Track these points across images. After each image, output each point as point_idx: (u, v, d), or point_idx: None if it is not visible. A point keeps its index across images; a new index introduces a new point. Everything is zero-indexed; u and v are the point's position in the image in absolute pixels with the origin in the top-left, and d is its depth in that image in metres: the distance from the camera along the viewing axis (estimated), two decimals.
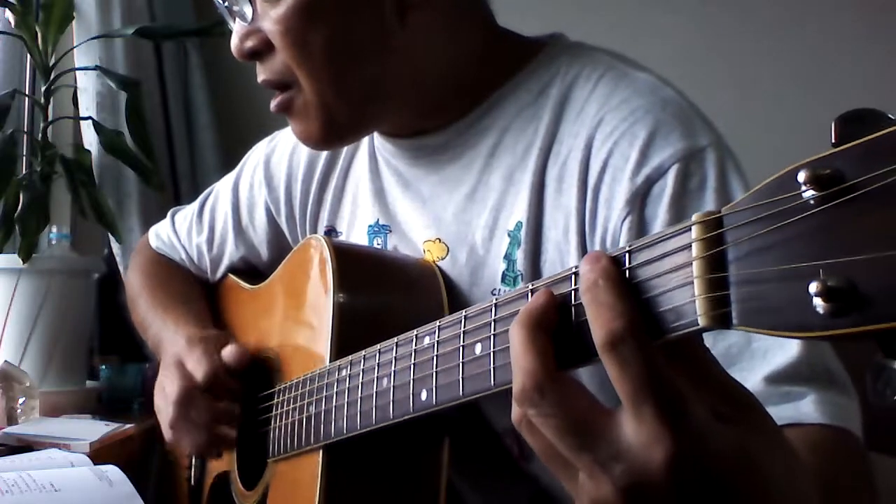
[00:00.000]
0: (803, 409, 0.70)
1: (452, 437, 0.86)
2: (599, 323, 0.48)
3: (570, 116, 0.87)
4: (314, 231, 1.10)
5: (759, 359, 0.73)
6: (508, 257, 0.89)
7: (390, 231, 1.00)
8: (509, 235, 0.89)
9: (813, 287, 0.38)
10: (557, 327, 0.52)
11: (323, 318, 0.88)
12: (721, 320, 0.44)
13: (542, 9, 1.57)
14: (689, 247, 0.46)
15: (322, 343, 0.87)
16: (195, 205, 1.27)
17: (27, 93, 1.84)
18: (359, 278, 0.90)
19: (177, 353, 1.02)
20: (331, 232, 1.08)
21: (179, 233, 1.27)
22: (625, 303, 0.47)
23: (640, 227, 0.80)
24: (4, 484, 0.93)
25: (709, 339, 0.75)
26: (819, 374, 0.73)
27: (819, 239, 0.40)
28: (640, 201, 0.80)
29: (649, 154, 0.80)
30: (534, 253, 0.87)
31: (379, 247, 1.01)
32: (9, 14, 1.73)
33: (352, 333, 0.86)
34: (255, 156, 1.18)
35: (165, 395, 1.01)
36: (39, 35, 1.69)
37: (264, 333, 1.05)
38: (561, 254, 0.85)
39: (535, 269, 0.87)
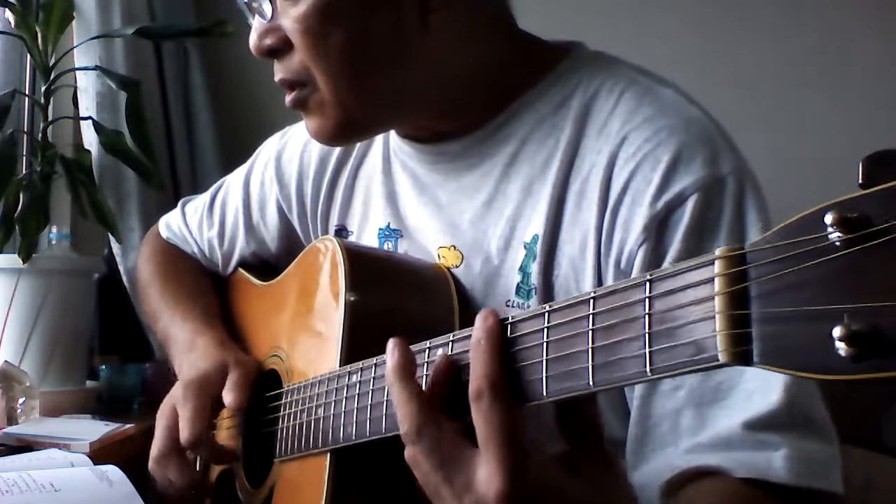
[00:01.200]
0: (774, 463, 0.71)
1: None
2: (471, 378, 0.58)
3: (592, 131, 0.87)
4: (325, 229, 1.10)
5: (743, 400, 0.74)
6: (524, 269, 0.88)
7: (401, 236, 1.00)
8: (525, 248, 0.88)
9: (837, 331, 0.39)
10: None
11: (334, 319, 0.88)
12: (742, 358, 0.44)
13: (544, 9, 1.57)
14: (711, 281, 0.46)
15: (332, 344, 0.87)
16: (206, 197, 1.27)
17: (27, 93, 1.83)
18: (370, 281, 0.90)
19: (174, 396, 1.01)
20: (341, 230, 1.07)
21: (191, 226, 1.27)
22: (492, 364, 0.58)
23: (656, 254, 0.80)
24: (4, 484, 0.93)
25: (700, 373, 0.77)
26: (798, 422, 0.74)
27: (844, 282, 0.40)
28: (657, 228, 0.80)
29: (671, 180, 0.80)
30: (547, 267, 0.87)
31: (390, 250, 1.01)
32: (9, 14, 1.72)
33: (362, 335, 0.86)
34: (267, 151, 1.18)
35: (153, 445, 1.02)
36: (39, 35, 1.69)
37: (274, 331, 1.05)
38: (576, 270, 0.85)
39: (547, 284, 0.87)
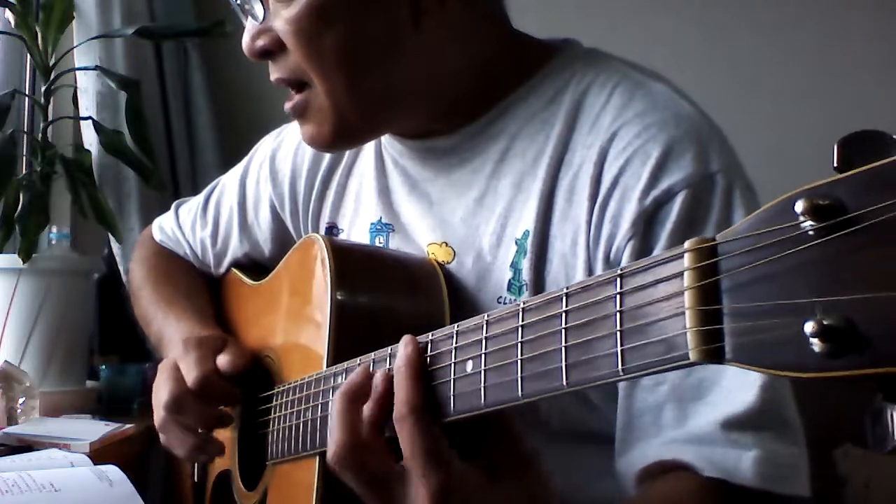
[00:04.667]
0: (742, 464, 0.72)
1: (451, 442, 0.86)
2: (395, 402, 0.64)
3: (583, 126, 0.87)
4: (316, 227, 1.09)
5: (723, 397, 0.75)
6: (515, 266, 0.88)
7: (393, 230, 1.00)
8: (516, 244, 0.88)
9: (809, 326, 0.37)
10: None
11: (321, 318, 0.87)
12: (713, 355, 0.42)
13: (543, 9, 1.57)
14: (681, 275, 0.44)
15: (320, 343, 0.86)
16: (200, 198, 1.26)
17: (27, 93, 1.84)
18: (357, 278, 0.90)
19: (173, 356, 1.01)
20: (332, 228, 1.07)
21: (183, 227, 1.26)
22: (412, 390, 0.63)
23: (643, 249, 0.80)
24: (4, 484, 0.93)
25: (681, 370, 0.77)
26: (771, 424, 0.75)
27: (817, 273, 0.38)
28: (645, 223, 0.80)
29: (661, 175, 0.80)
30: (538, 263, 0.87)
31: (381, 245, 1.00)
32: (9, 14, 1.73)
33: (350, 334, 0.85)
34: (262, 151, 1.18)
35: (157, 398, 1.00)
36: (39, 35, 1.69)
37: (265, 331, 1.04)
38: (567, 267, 0.85)
39: (539, 280, 0.87)
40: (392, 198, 1.01)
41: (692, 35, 2.02)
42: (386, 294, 0.91)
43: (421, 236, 0.97)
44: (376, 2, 0.86)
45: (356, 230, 1.04)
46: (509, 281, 0.88)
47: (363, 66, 0.87)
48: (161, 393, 0.99)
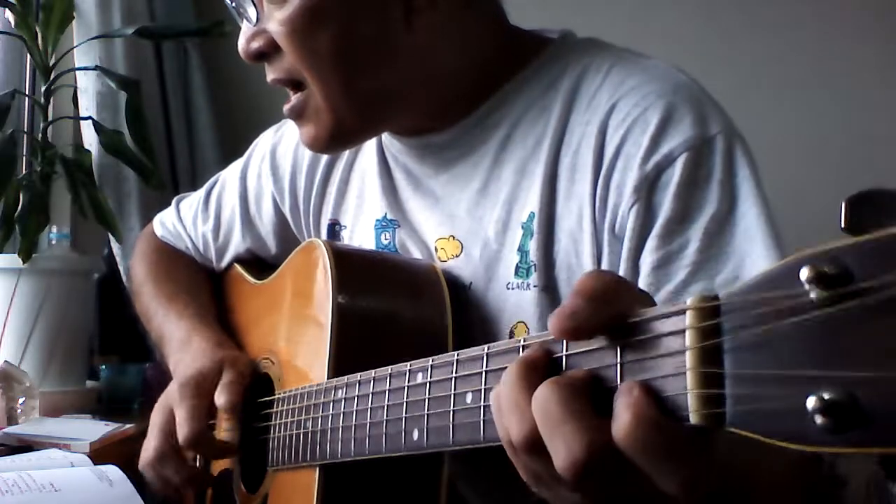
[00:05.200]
0: None
1: (458, 452, 0.85)
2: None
3: (580, 106, 0.88)
4: (318, 224, 1.09)
5: None
6: (521, 249, 0.88)
7: (399, 226, 1.00)
8: (522, 227, 0.89)
9: (811, 401, 0.36)
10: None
11: (322, 323, 0.87)
12: (714, 420, 0.41)
13: (542, 6, 1.57)
14: (682, 332, 0.43)
15: (321, 349, 0.86)
16: (201, 192, 1.26)
17: (27, 93, 1.84)
18: (359, 284, 0.90)
19: (169, 396, 1.01)
20: (335, 225, 1.07)
21: (185, 221, 1.26)
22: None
23: (647, 214, 0.80)
24: (4, 484, 0.93)
25: None
26: None
27: (821, 343, 0.36)
28: (647, 188, 0.81)
29: (660, 141, 0.81)
30: (546, 242, 0.87)
31: (387, 242, 1.00)
32: (9, 14, 1.73)
33: (351, 340, 0.85)
34: (262, 146, 1.18)
35: (146, 444, 1.03)
36: (39, 35, 1.69)
37: (266, 332, 1.04)
38: (575, 243, 0.85)
39: (547, 259, 0.87)
40: (397, 195, 1.01)
41: (692, 34, 2.02)
42: (388, 300, 0.91)
43: (428, 233, 0.97)
44: (368, 1, 0.86)
45: (360, 227, 1.04)
46: (516, 265, 0.89)
47: (357, 66, 0.88)
48: (148, 443, 1.02)
